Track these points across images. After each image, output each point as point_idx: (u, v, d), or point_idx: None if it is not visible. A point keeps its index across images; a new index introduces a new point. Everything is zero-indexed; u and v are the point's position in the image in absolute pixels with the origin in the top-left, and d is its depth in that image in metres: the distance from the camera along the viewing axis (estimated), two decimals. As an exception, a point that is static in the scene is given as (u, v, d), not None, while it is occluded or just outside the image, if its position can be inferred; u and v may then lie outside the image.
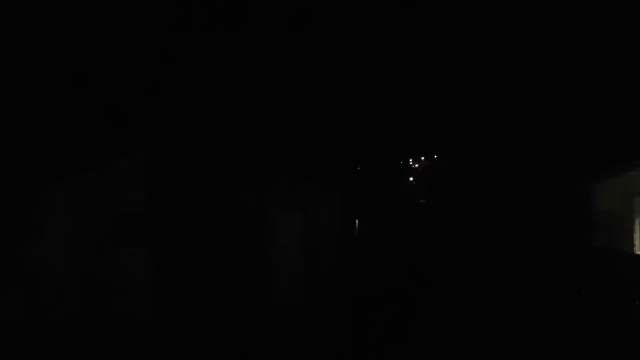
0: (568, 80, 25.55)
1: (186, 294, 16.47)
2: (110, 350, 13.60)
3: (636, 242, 17.83)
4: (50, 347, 13.93)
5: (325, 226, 17.54)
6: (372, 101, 30.00)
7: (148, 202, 16.49)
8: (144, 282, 16.40)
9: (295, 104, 25.86)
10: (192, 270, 16.51)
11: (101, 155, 17.05)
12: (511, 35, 27.58)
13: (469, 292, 18.00)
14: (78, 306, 16.11)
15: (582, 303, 15.65)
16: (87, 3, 22.42)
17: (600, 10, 25.18)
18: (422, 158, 48.80)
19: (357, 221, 29.54)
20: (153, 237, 16.56)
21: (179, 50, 23.97)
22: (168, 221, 16.57)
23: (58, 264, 16.22)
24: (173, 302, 16.36)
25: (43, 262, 16.16)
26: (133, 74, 22.69)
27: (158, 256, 16.51)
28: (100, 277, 16.30)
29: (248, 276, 16.80)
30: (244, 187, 17.06)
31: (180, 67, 24.13)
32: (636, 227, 17.91)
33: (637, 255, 16.98)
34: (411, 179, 50.53)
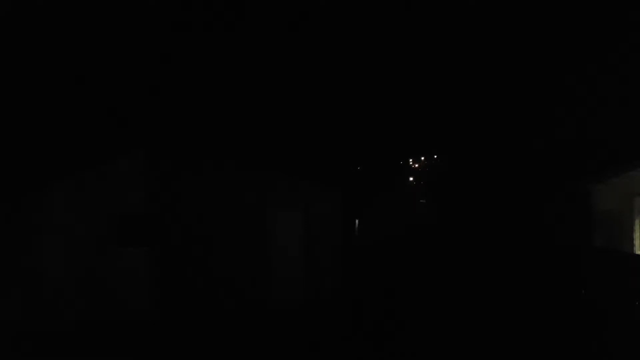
0: (568, 80, 25.50)
1: (186, 293, 16.48)
2: (111, 350, 13.61)
3: (636, 242, 17.80)
4: (50, 347, 13.94)
5: (325, 226, 17.55)
6: (372, 101, 29.96)
7: (148, 202, 16.50)
8: (144, 282, 16.41)
9: (295, 104, 25.85)
10: (192, 270, 16.52)
11: (101, 155, 17.07)
12: (511, 35, 27.54)
13: (470, 292, 18.01)
14: (78, 306, 16.12)
15: (582, 303, 15.65)
16: (87, 3, 22.41)
17: (600, 10, 25.14)
18: (422, 158, 48.72)
19: (357, 221, 29.51)
20: (153, 237, 16.58)
21: (179, 50, 23.95)
22: (168, 221, 16.58)
23: (58, 263, 16.22)
24: (173, 302, 16.37)
25: (43, 262, 16.17)
26: (133, 74, 22.69)
27: (158, 256, 16.52)
28: (100, 277, 16.32)
29: (248, 276, 16.82)
30: (244, 187, 17.07)
31: (180, 67, 24.11)
32: (636, 227, 17.89)
33: (637, 255, 16.97)
34: (411, 179, 50.43)
